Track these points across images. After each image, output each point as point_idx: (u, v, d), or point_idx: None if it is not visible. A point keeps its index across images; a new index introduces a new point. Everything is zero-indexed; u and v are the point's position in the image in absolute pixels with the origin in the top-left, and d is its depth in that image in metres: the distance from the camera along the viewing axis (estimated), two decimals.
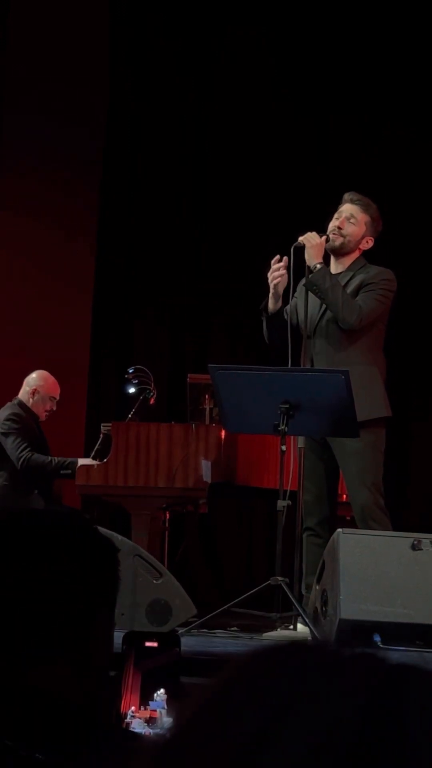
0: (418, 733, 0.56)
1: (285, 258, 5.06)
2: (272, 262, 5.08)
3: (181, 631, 4.56)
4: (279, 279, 5.04)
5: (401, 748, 0.56)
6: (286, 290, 5.13)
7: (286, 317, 5.11)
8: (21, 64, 7.72)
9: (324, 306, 5.11)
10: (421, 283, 7.21)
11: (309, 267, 5.07)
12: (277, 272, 5.06)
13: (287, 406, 4.62)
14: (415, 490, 7.25)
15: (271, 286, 5.08)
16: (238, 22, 7.74)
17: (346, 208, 5.22)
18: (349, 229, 5.18)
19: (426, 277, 7.30)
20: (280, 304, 5.11)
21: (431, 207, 7.48)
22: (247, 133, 7.70)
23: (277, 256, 5.07)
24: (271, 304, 5.11)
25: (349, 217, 5.18)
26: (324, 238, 5.14)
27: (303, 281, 5.15)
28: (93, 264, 7.71)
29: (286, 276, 5.05)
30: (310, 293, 5.09)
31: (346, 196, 5.27)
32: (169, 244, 7.75)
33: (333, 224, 5.20)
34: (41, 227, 7.62)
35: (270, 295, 5.11)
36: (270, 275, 5.08)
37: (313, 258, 5.07)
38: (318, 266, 5.05)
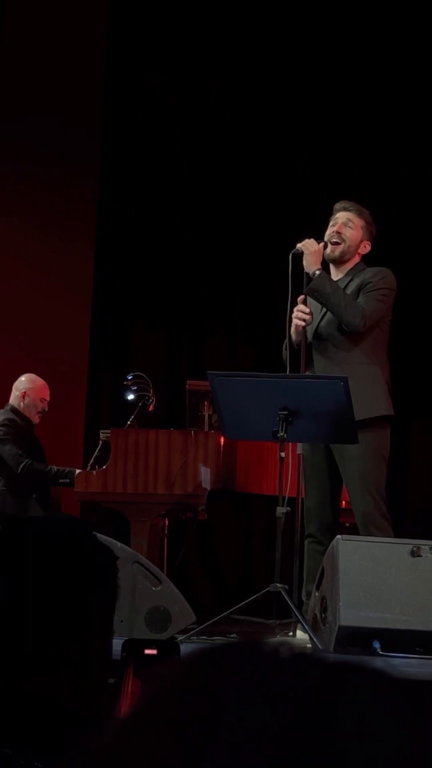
0: (352, 731, 0.56)
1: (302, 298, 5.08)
2: (299, 299, 5.09)
3: (180, 638, 4.55)
4: (300, 322, 5.05)
5: (335, 746, 0.55)
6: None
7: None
8: (17, 67, 7.72)
9: (324, 310, 5.11)
10: (420, 286, 7.21)
11: (308, 274, 5.08)
12: (301, 313, 5.06)
13: (286, 412, 4.62)
14: (414, 496, 7.25)
15: (294, 323, 5.08)
16: (233, 33, 7.76)
17: (341, 216, 5.23)
18: (348, 233, 5.18)
19: (425, 280, 7.30)
20: (302, 334, 5.10)
21: (428, 211, 7.49)
22: (244, 136, 7.71)
23: (302, 297, 5.08)
24: (295, 337, 5.11)
25: (346, 222, 5.19)
26: (322, 244, 5.15)
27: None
28: (92, 270, 7.71)
29: (309, 319, 5.06)
30: (309, 298, 5.10)
31: (338, 205, 5.28)
32: (167, 249, 7.76)
33: (330, 231, 5.21)
34: (39, 232, 7.62)
35: (292, 331, 5.10)
36: (295, 310, 5.07)
37: (311, 265, 5.07)
38: (317, 272, 5.06)
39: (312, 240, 5.13)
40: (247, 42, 7.77)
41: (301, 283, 5.14)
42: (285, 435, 4.62)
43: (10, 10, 7.76)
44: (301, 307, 5.07)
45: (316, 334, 5.13)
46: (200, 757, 0.55)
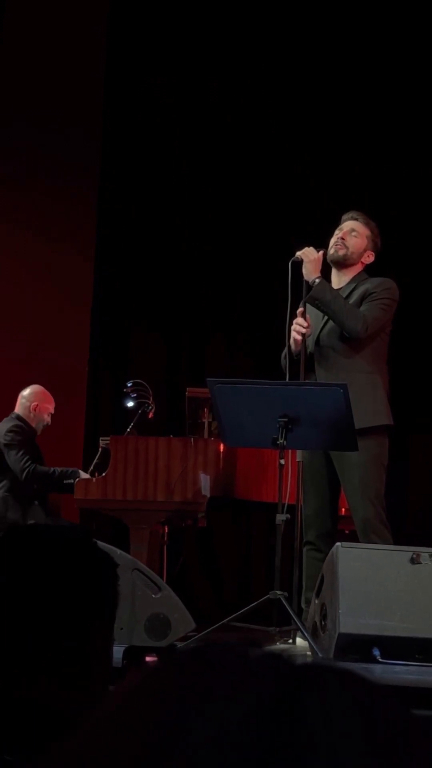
0: (318, 730, 0.56)
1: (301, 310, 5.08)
2: (298, 312, 5.10)
3: (180, 645, 4.55)
4: (298, 336, 5.06)
5: (300, 745, 0.55)
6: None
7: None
8: (17, 68, 7.73)
9: (325, 318, 5.12)
10: (420, 287, 7.22)
11: (308, 282, 5.09)
12: (299, 327, 5.07)
13: (286, 419, 4.62)
14: (413, 503, 7.25)
15: (292, 335, 5.10)
16: (233, 41, 7.78)
17: (347, 224, 5.28)
18: (352, 241, 5.22)
19: (425, 281, 7.31)
20: (301, 344, 5.11)
21: (428, 211, 7.50)
22: (244, 137, 7.72)
23: (301, 309, 5.09)
24: (294, 347, 5.12)
25: (350, 231, 5.23)
26: (322, 252, 5.17)
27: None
28: (92, 273, 7.71)
29: (308, 332, 5.07)
30: (310, 306, 5.11)
31: (346, 215, 5.33)
32: (167, 251, 7.76)
33: (335, 238, 5.25)
34: (39, 235, 7.62)
35: (291, 342, 5.12)
36: (294, 323, 5.08)
37: (311, 273, 5.09)
38: (317, 281, 5.07)
39: (311, 248, 5.15)
40: (247, 42, 7.79)
41: (301, 290, 5.16)
42: (285, 442, 4.62)
43: (9, 10, 7.77)
44: (299, 320, 5.09)
45: (318, 343, 5.14)
46: (166, 758, 0.55)
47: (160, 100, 7.85)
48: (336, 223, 5.36)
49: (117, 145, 7.85)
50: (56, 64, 7.68)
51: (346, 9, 7.64)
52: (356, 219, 5.28)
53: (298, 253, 5.14)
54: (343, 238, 5.23)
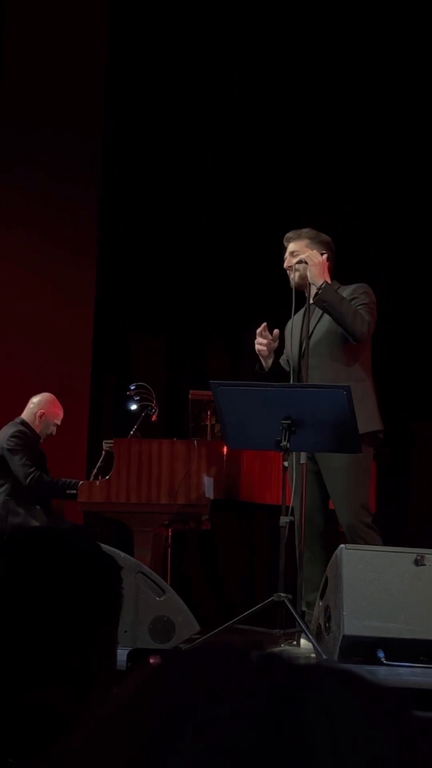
0: (319, 730, 0.56)
1: (264, 325, 5.07)
2: (258, 331, 5.10)
3: (184, 648, 4.54)
4: (262, 349, 5.07)
5: (300, 748, 0.55)
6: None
7: (287, 368, 5.17)
8: (19, 80, 7.74)
9: (314, 326, 5.14)
10: (417, 304, 7.22)
11: (314, 286, 5.10)
12: (260, 345, 5.08)
13: (289, 422, 4.62)
14: (416, 505, 7.25)
15: (258, 352, 5.13)
16: (233, 45, 7.80)
17: (286, 252, 5.28)
18: (295, 261, 5.21)
19: (420, 298, 7.31)
20: (272, 360, 5.13)
21: (426, 205, 7.51)
22: (243, 148, 7.73)
23: (264, 324, 5.09)
24: (265, 364, 5.16)
25: (291, 253, 5.25)
26: (326, 255, 5.18)
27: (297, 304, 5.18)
28: (94, 281, 7.72)
29: (269, 347, 5.07)
30: (297, 320, 5.14)
31: (284, 241, 5.30)
32: (168, 258, 7.77)
33: (286, 269, 5.24)
34: (42, 244, 7.62)
35: (261, 358, 5.15)
36: (256, 344, 5.11)
37: (316, 276, 5.10)
38: (324, 285, 5.08)
39: (316, 252, 5.16)
40: (246, 45, 7.80)
41: (303, 294, 5.17)
42: (288, 444, 4.62)
43: (10, 17, 7.79)
44: (261, 338, 5.08)
45: (308, 352, 5.13)
46: (167, 758, 0.55)
47: (161, 105, 7.86)
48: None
49: (118, 148, 7.86)
50: (57, 66, 7.69)
51: (346, 15, 7.64)
52: (289, 240, 5.29)
53: (302, 256, 5.15)
54: (288, 266, 5.22)
